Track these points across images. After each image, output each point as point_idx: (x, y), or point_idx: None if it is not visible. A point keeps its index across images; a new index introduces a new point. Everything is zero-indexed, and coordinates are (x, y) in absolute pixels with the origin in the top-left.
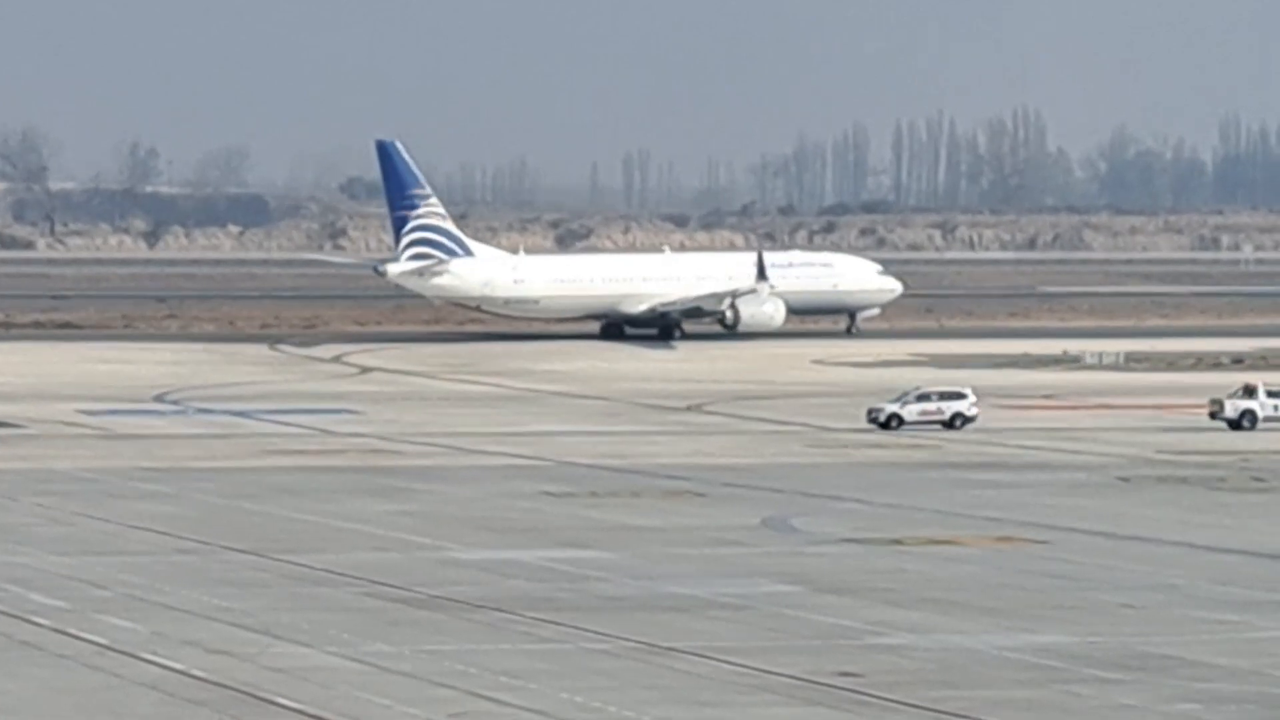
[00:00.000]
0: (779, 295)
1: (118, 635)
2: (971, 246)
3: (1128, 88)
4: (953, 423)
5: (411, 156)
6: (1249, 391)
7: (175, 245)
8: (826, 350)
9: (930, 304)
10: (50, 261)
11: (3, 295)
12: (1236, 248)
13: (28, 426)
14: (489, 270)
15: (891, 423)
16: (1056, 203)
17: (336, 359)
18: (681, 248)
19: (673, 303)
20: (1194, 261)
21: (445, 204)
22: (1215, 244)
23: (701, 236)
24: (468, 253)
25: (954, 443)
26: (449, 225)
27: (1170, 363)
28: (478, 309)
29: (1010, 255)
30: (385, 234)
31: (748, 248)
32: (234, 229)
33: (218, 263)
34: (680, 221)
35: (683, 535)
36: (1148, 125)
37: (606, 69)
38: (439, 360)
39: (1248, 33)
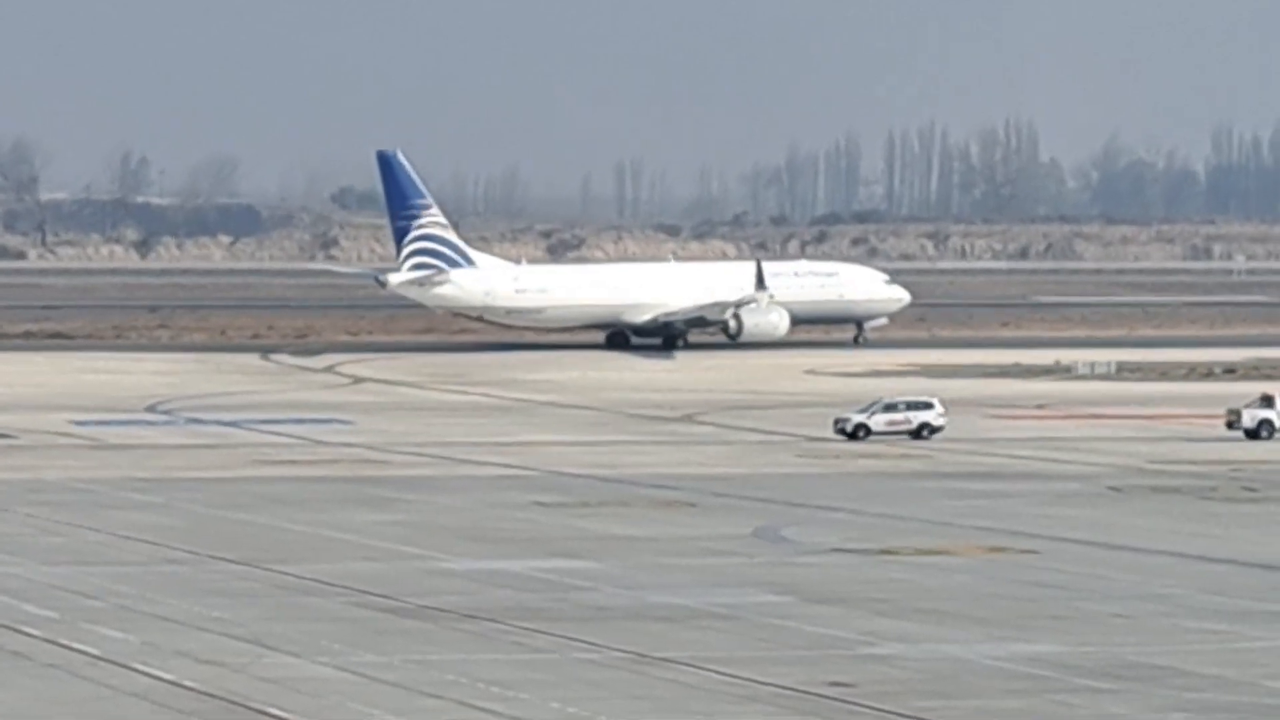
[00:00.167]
0: (784, 305)
1: (109, 645)
2: (964, 256)
3: (1120, 97)
4: (920, 432)
5: (413, 166)
6: (1267, 401)
7: (167, 255)
8: (828, 360)
9: (922, 314)
10: (41, 271)
11: None
12: (1228, 257)
13: (19, 437)
14: (491, 280)
15: (859, 433)
16: (1049, 212)
17: (328, 369)
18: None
19: (675, 312)
20: (1186, 271)
21: None
22: (1207, 254)
23: (694, 246)
24: (469, 263)
25: (945, 452)
26: (451, 235)
27: (1162, 372)
28: (480, 319)
29: (1002, 265)
30: (377, 244)
31: (740, 257)
32: (225, 239)
33: (209, 273)
34: (672, 231)
35: (673, 545)
36: (1140, 135)
37: (599, 79)
38: (430, 370)
39: (1240, 42)
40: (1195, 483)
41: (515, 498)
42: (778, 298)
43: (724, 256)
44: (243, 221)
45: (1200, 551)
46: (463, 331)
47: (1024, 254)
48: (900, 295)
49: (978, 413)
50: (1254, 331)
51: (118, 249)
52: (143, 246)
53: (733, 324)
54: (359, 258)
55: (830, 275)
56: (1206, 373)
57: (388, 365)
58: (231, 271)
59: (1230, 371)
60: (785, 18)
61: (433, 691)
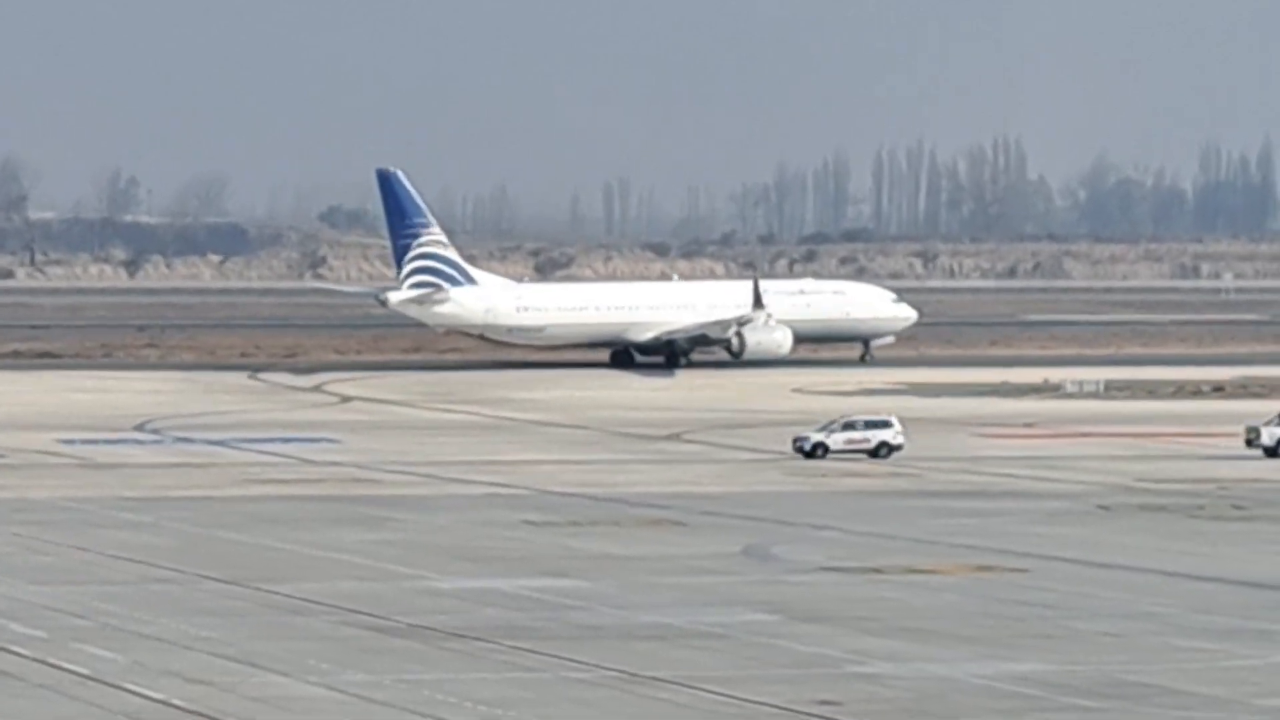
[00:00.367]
0: (790, 324)
1: (97, 665)
2: (952, 275)
3: (1108, 116)
4: (878, 451)
5: (421, 185)
6: None
7: (155, 274)
8: (819, 379)
9: (912, 332)
10: (30, 291)
11: None
12: (1217, 276)
13: (7, 456)
14: (492, 298)
15: (817, 451)
16: (1037, 231)
17: (316, 388)
18: (662, 276)
19: (677, 331)
20: (1174, 290)
21: None
22: (1195, 272)
23: (682, 265)
24: (470, 281)
25: (934, 471)
26: (451, 254)
27: (1150, 391)
28: (481, 338)
29: (991, 284)
30: (365, 263)
31: (728, 276)
32: (214, 258)
33: (197, 292)
34: (661, 250)
35: (662, 564)
36: (1128, 153)
37: (587, 97)
38: (419, 389)
39: (1228, 61)
40: (1184, 501)
41: (504, 516)
42: (783, 316)
43: (712, 275)
44: (231, 241)
45: (1189, 570)
46: (451, 350)
47: (1012, 272)
48: (907, 314)
49: (966, 431)
50: (1242, 350)
51: (106, 268)
52: (131, 266)
53: (735, 342)
54: (348, 276)
55: (836, 294)
56: (1195, 391)
57: (376, 384)
58: (220, 291)
59: (1218, 390)
60: (773, 36)
61: (422, 711)
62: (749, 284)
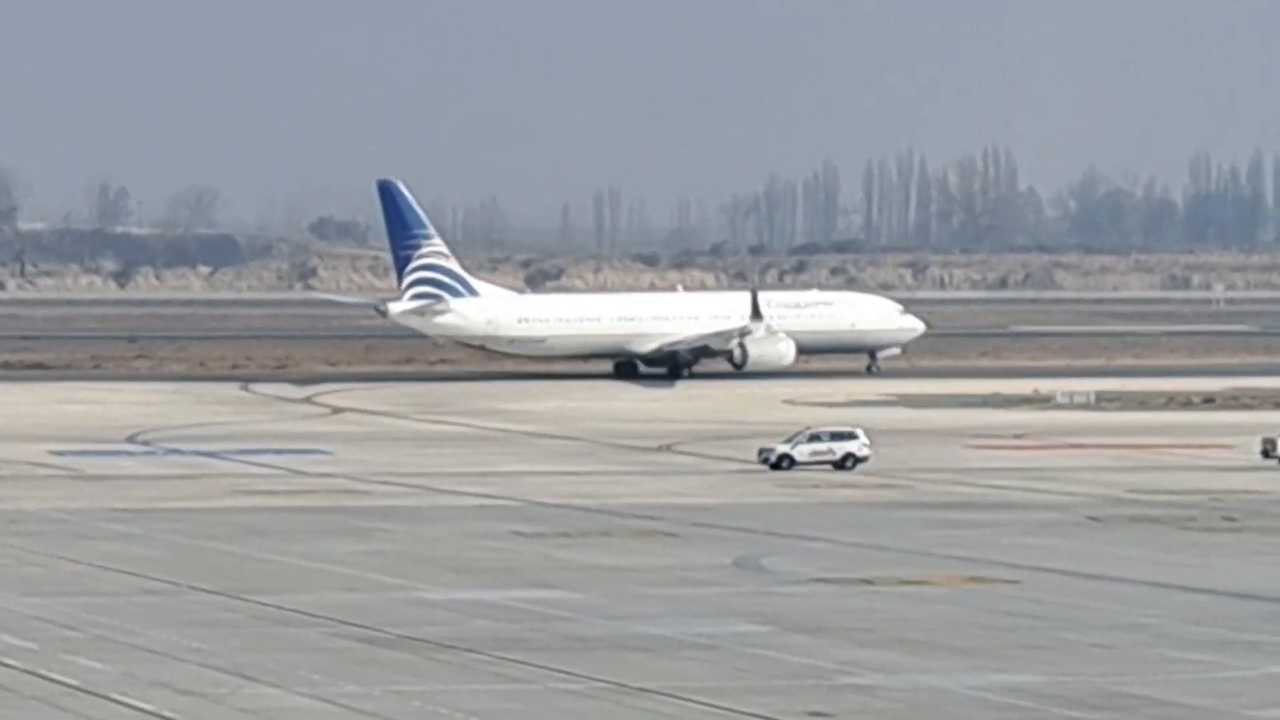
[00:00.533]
0: (794, 335)
1: (88, 676)
2: (942, 286)
3: (1098, 127)
4: (844, 463)
5: (414, 196)
6: None
7: (145, 286)
8: (809, 390)
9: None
10: (20, 302)
11: None
12: (1207, 287)
13: None
14: (493, 309)
15: (783, 463)
16: (1027, 242)
17: (307, 399)
18: (652, 287)
19: (679, 342)
20: (1165, 301)
21: None
22: (1186, 283)
23: (673, 276)
24: (472, 292)
25: (924, 482)
26: (453, 265)
27: (1141, 402)
28: (482, 348)
29: (981, 295)
30: (356, 274)
31: (719, 287)
32: (204, 269)
33: (188, 303)
34: (651, 261)
35: (653, 575)
36: (1118, 164)
37: (577, 109)
38: (410, 400)
39: (1218, 72)
40: (1174, 512)
41: (495, 528)
42: (788, 328)
43: (703, 286)
44: (221, 252)
45: (1180, 581)
46: (442, 361)
47: (1003, 283)
48: (914, 325)
49: (957, 442)
50: (1233, 361)
51: (96, 279)
52: (121, 277)
53: (738, 354)
54: (338, 287)
55: (841, 305)
56: (1185, 402)
57: (367, 395)
58: (210, 302)
59: (1209, 401)
60: (764, 47)
61: None
62: (748, 295)
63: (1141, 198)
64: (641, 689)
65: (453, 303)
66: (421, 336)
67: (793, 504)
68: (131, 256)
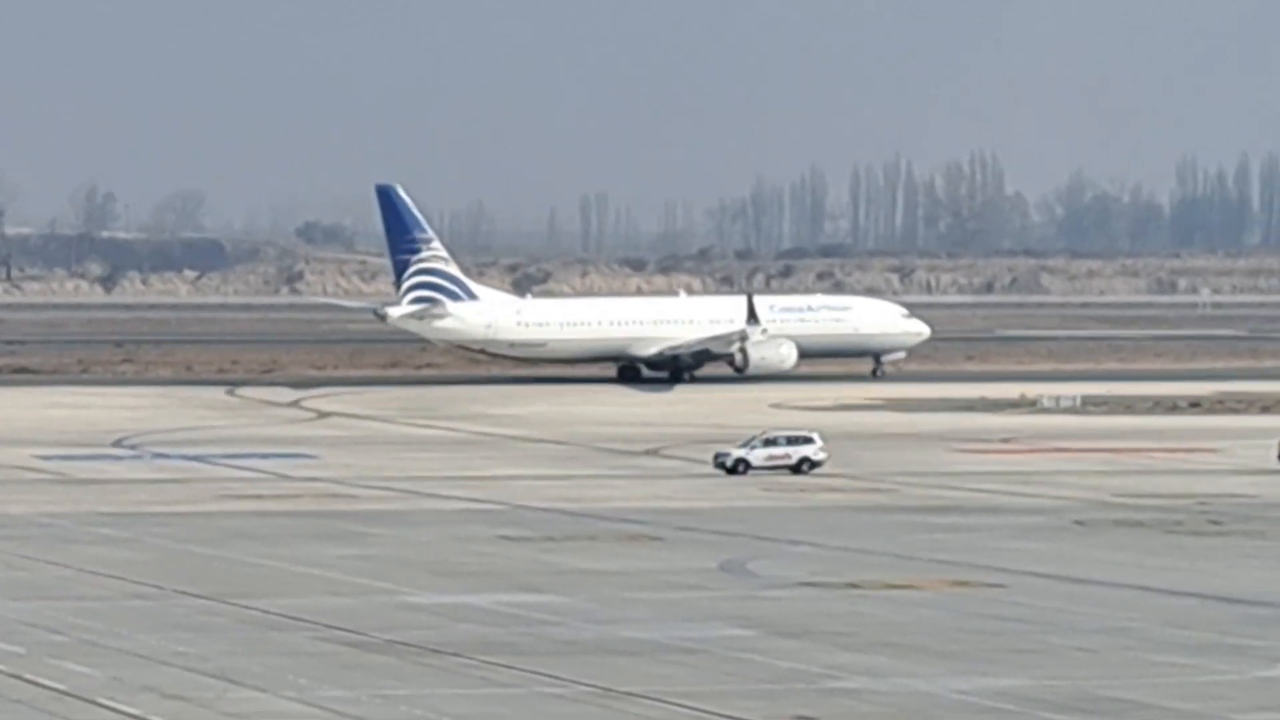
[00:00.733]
0: (797, 339)
1: (74, 680)
2: (929, 290)
3: (1084, 131)
4: (799, 467)
5: (412, 200)
6: None
7: (132, 290)
8: (796, 394)
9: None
10: (6, 306)
11: None
12: (1194, 291)
13: None
14: (493, 313)
15: (739, 468)
16: (1014, 246)
17: (294, 403)
18: (639, 291)
19: (680, 346)
20: (1151, 305)
21: None
22: (1172, 287)
23: (659, 280)
24: (471, 296)
25: (910, 486)
26: (452, 269)
27: (1127, 406)
28: (482, 352)
29: (967, 299)
30: (342, 278)
31: (705, 292)
32: (190, 273)
33: (174, 307)
34: (638, 265)
35: (639, 579)
36: (1104, 169)
37: (564, 113)
38: (396, 404)
39: (1204, 76)
40: (1160, 516)
41: (481, 532)
42: (791, 332)
43: (689, 291)
44: (208, 256)
45: (1165, 585)
46: (429, 365)
47: (989, 288)
48: (919, 329)
49: (943, 446)
50: (1219, 365)
51: (83, 284)
52: (108, 281)
53: (739, 357)
54: (324, 291)
55: (845, 309)
56: (1172, 406)
57: (354, 399)
58: (197, 306)
59: (1195, 405)
60: (750, 52)
61: None
62: (756, 299)
63: (1128, 202)
64: (627, 693)
65: (452, 307)
66: (408, 340)
67: (779, 508)
68: (118, 261)
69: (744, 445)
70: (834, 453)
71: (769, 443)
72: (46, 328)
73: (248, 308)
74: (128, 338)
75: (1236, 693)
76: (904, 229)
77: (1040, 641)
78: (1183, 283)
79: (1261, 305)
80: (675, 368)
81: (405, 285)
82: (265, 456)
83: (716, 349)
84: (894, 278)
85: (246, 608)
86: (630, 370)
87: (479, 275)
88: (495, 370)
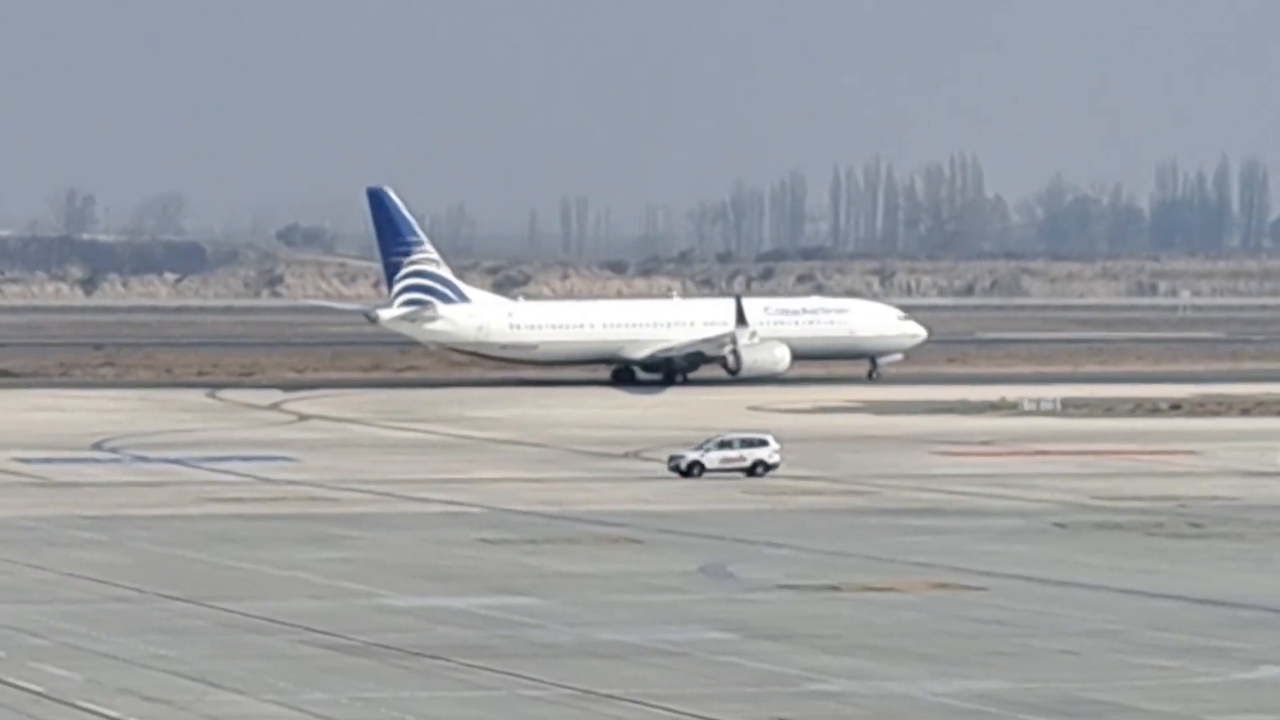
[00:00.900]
0: (792, 341)
1: (54, 684)
2: (909, 293)
3: (1064, 133)
4: (754, 470)
5: (404, 202)
6: None
7: (112, 293)
8: (777, 397)
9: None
10: None
11: None
12: (1174, 293)
13: None
14: (484, 316)
15: (693, 470)
16: (994, 249)
17: (274, 406)
18: (619, 294)
19: (673, 348)
20: (1131, 307)
21: None
22: (1152, 290)
23: (639, 283)
24: (463, 298)
25: (890, 489)
26: (444, 271)
27: (1108, 408)
28: (473, 355)
29: (948, 301)
30: (323, 281)
31: (686, 294)
32: (170, 276)
33: (154, 310)
34: (618, 268)
35: (619, 582)
36: (1085, 171)
37: (544, 117)
38: (376, 407)
39: (1184, 79)
40: (1141, 519)
41: (461, 535)
42: (786, 335)
43: (672, 293)
44: (188, 259)
45: (1146, 587)
46: (410, 368)
47: (969, 290)
48: (915, 331)
49: (923, 449)
50: (1199, 368)
51: (63, 286)
52: (88, 284)
53: (732, 360)
54: (305, 294)
55: (840, 312)
56: (1152, 409)
57: (334, 402)
58: (177, 309)
59: (1176, 408)
60: (731, 55)
61: None
62: (749, 301)
63: (1108, 204)
64: (607, 695)
65: (443, 309)
66: (389, 343)
67: (759, 511)
68: (98, 264)
69: (698, 448)
70: (814, 456)
71: (723, 445)
72: (26, 330)
73: (228, 310)
74: (108, 340)
75: (1217, 695)
76: (884, 231)
77: (1020, 644)
78: (1163, 285)
79: (1241, 308)
80: (669, 370)
81: (397, 287)
82: (245, 459)
83: (709, 351)
84: (874, 280)
85: (226, 611)
86: (625, 372)
87: (459, 278)
88: (476, 373)
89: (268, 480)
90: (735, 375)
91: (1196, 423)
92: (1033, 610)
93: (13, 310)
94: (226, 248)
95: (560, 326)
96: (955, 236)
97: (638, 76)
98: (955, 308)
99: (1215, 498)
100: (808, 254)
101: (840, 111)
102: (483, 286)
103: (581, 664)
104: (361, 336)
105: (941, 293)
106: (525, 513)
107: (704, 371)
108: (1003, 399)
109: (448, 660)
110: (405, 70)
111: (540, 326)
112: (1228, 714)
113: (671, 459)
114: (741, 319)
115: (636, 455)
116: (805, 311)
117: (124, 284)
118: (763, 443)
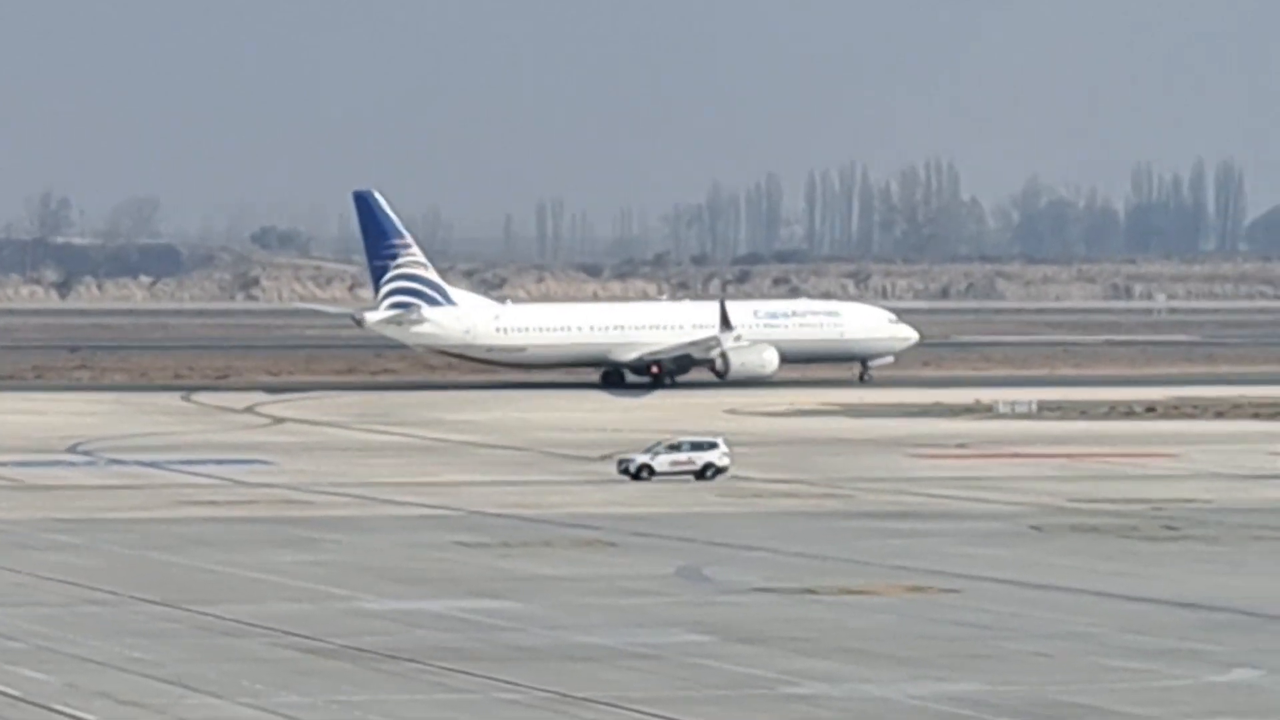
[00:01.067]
0: (781, 344)
1: (29, 687)
2: (885, 296)
3: (1040, 137)
4: (704, 473)
5: (391, 206)
6: None
7: (87, 296)
8: (754, 400)
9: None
10: None
11: None
12: (1149, 296)
13: None
14: (471, 318)
15: (642, 473)
16: (969, 252)
17: (249, 409)
18: (595, 297)
19: (660, 351)
20: (1107, 310)
21: (358, 255)
22: (1128, 293)
23: (615, 286)
24: (449, 301)
25: (866, 492)
26: (431, 274)
27: (1083, 411)
28: (460, 357)
29: (923, 304)
30: (298, 283)
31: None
32: (146, 279)
33: (129, 313)
34: (594, 271)
35: (595, 585)
36: (1060, 174)
37: (519, 119)
38: (352, 410)
39: (1159, 83)
40: (1116, 521)
41: (437, 538)
42: (775, 337)
43: (645, 296)
44: (163, 262)
45: (1121, 590)
46: (385, 371)
47: (945, 293)
48: (906, 334)
49: (899, 452)
50: (1174, 370)
51: (38, 289)
52: (63, 287)
53: (720, 363)
54: (280, 297)
55: (830, 314)
56: (1127, 411)
57: (309, 405)
58: (152, 312)
59: (1151, 410)
60: (705, 58)
61: None
62: (738, 305)
63: (1084, 208)
64: (584, 699)
65: (429, 312)
66: (366, 345)
67: (735, 514)
68: (73, 266)
69: (648, 451)
70: (790, 459)
71: (673, 448)
72: (1, 333)
73: (203, 313)
74: (83, 343)
75: (1191, 697)
76: (860, 234)
77: (996, 646)
78: (1138, 288)
79: (1216, 311)
80: (658, 373)
81: (383, 290)
82: (221, 462)
83: (697, 354)
84: (850, 283)
85: (202, 614)
86: (615, 375)
87: None
88: (453, 376)
89: (243, 483)
90: (723, 378)
91: (1172, 425)
92: (1008, 613)
93: None
94: (202, 251)
95: (548, 329)
96: (931, 239)
97: (614, 80)
98: (931, 311)
99: (1190, 500)
100: (783, 257)
101: (815, 115)
102: (460, 289)
103: (558, 667)
104: (338, 340)
105: (917, 296)
106: (501, 515)
107: (693, 374)
108: (978, 402)
109: (424, 663)
110: (382, 74)
111: (528, 329)
112: (1201, 716)
113: (620, 462)
114: (726, 322)
115: (612, 458)
116: (795, 314)
117: (99, 287)
118: (712, 445)
